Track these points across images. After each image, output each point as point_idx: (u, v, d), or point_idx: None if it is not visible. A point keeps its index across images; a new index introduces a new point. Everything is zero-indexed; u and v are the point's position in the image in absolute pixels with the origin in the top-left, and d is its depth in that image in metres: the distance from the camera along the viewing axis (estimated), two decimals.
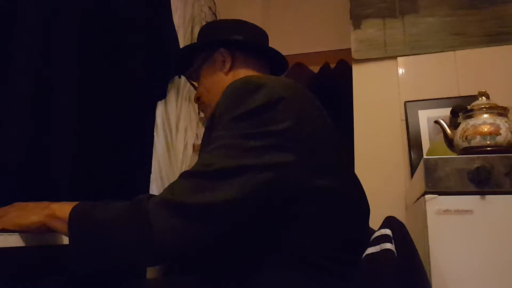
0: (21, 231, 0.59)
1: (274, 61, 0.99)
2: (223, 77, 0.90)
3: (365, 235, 0.74)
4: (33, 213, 0.61)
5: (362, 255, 0.69)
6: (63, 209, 0.60)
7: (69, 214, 0.59)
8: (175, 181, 0.62)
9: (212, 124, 0.70)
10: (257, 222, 0.63)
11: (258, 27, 1.00)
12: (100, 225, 0.57)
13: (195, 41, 1.79)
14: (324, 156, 0.68)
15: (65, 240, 0.66)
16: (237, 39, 0.92)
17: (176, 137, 1.63)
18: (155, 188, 1.47)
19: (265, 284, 0.64)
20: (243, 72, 0.90)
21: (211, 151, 0.63)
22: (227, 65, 0.91)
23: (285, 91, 0.69)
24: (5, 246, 0.56)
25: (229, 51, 0.92)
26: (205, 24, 1.03)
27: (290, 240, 0.65)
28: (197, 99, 0.98)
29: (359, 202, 0.76)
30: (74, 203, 0.61)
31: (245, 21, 0.99)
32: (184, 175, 0.62)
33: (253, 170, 0.60)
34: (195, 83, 1.00)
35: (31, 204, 0.65)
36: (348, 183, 0.74)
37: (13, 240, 0.58)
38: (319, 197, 0.66)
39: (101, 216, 0.58)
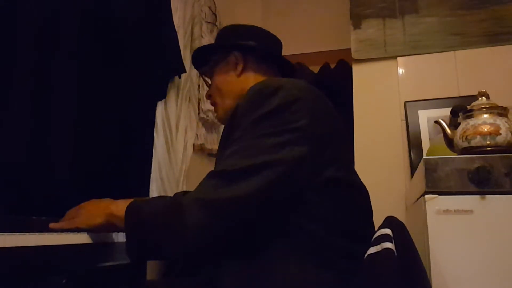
0: (90, 229, 0.74)
1: (283, 67, 1.06)
2: (234, 79, 0.96)
3: (371, 226, 0.79)
4: (98, 215, 0.74)
5: (368, 242, 0.71)
6: (119, 208, 0.71)
7: (125, 212, 0.70)
8: (203, 180, 0.70)
9: (233, 124, 0.76)
10: (273, 213, 0.68)
11: (274, 35, 1.07)
12: (146, 220, 0.68)
13: (195, 41, 1.81)
14: (335, 150, 0.74)
15: (64, 240, 0.68)
16: (250, 45, 0.99)
17: (176, 137, 1.63)
18: (155, 188, 1.47)
19: (272, 275, 0.66)
20: (252, 76, 0.96)
21: (233, 152, 0.70)
22: (239, 68, 0.96)
23: (300, 92, 0.75)
24: (5, 246, 0.56)
25: (242, 55, 0.97)
26: (225, 27, 1.10)
27: (301, 230, 0.68)
28: (209, 96, 1.05)
29: (363, 194, 0.80)
30: (128, 201, 0.72)
31: (262, 29, 1.07)
32: (210, 175, 0.70)
33: (272, 165, 0.66)
34: (207, 80, 1.06)
35: (93, 206, 0.78)
36: (354, 175, 0.79)
37: (13, 240, 0.58)
38: (328, 187, 0.70)
39: (147, 212, 0.69)
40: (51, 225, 0.77)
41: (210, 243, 0.66)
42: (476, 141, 1.06)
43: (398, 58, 1.88)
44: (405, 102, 1.80)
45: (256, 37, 1.01)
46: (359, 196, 0.77)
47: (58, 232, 0.73)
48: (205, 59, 1.05)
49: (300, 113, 0.71)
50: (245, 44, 0.98)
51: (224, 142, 0.80)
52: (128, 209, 0.70)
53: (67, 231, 0.73)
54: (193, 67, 1.78)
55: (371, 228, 0.79)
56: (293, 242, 0.68)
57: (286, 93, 0.73)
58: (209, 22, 1.98)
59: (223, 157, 0.72)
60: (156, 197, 0.74)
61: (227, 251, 0.70)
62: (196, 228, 0.64)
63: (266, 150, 0.67)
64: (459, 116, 1.17)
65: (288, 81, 0.79)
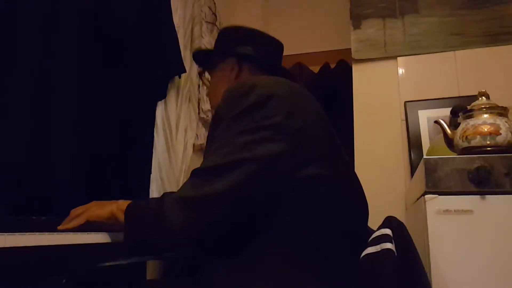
0: (98, 221, 0.78)
1: (280, 72, 1.06)
2: (228, 82, 0.99)
3: (359, 221, 0.78)
4: (107, 207, 0.78)
5: (356, 240, 0.72)
6: (125, 204, 0.76)
7: (125, 208, 0.74)
8: (187, 179, 0.73)
9: (214, 124, 0.78)
10: (251, 210, 0.69)
11: (274, 39, 1.09)
12: (138, 216, 0.72)
13: (195, 41, 1.81)
14: (315, 146, 0.73)
15: (64, 240, 0.68)
16: (246, 52, 1.01)
17: (176, 137, 1.63)
18: (155, 188, 1.47)
19: (258, 272, 0.67)
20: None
21: (212, 151, 0.72)
22: (234, 73, 1.01)
23: (276, 89, 0.76)
24: (5, 246, 0.56)
25: (238, 61, 1.01)
26: (225, 28, 1.14)
27: (282, 227, 0.68)
28: (209, 95, 1.11)
29: (352, 192, 0.79)
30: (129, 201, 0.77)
31: (263, 33, 1.09)
32: (191, 174, 0.72)
33: (246, 162, 0.67)
34: (206, 80, 1.12)
35: (101, 201, 0.82)
36: (341, 173, 0.76)
37: (13, 240, 0.58)
38: (310, 184, 0.70)
39: (140, 209, 0.73)
40: (60, 227, 0.77)
41: (190, 239, 0.68)
42: (476, 141, 1.06)
43: (398, 58, 1.88)
44: (405, 102, 1.80)
45: (254, 43, 1.04)
46: (346, 193, 0.76)
47: (60, 232, 0.73)
48: (206, 59, 1.10)
49: (275, 109, 0.72)
50: (241, 51, 1.02)
51: (209, 139, 0.82)
52: (128, 207, 0.74)
53: (76, 230, 0.75)
54: (193, 67, 1.79)
55: (362, 226, 0.79)
56: (283, 242, 0.68)
57: (260, 90, 0.74)
58: (209, 22, 1.98)
59: (206, 155, 0.75)
60: (152, 198, 0.77)
61: (212, 247, 0.72)
62: (175, 225, 0.67)
63: (241, 148, 0.68)
64: (459, 116, 1.17)
65: (264, 78, 0.81)
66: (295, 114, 0.73)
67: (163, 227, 0.67)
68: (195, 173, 0.72)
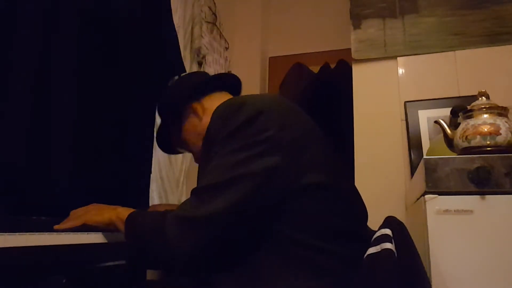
0: (96, 226, 0.78)
1: (234, 85, 1.05)
2: (198, 122, 0.95)
3: (359, 222, 0.79)
4: (106, 213, 0.79)
5: (358, 241, 0.72)
6: (124, 213, 0.77)
7: (126, 217, 0.75)
8: (187, 198, 0.74)
9: (207, 145, 0.79)
10: (251, 224, 0.70)
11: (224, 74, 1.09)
12: (139, 229, 0.74)
13: (195, 41, 1.81)
14: (311, 155, 0.74)
15: (64, 240, 0.68)
16: (194, 86, 0.97)
17: None
18: (155, 188, 1.47)
19: (255, 279, 0.68)
20: (211, 111, 0.87)
21: (208, 171, 0.73)
22: (200, 110, 0.95)
23: (264, 105, 0.76)
24: (5, 246, 0.56)
25: (196, 100, 0.96)
26: (164, 95, 1.08)
27: (283, 233, 0.69)
28: (193, 153, 1.05)
29: (349, 197, 0.79)
30: (130, 210, 0.79)
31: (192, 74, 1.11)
32: (191, 193, 0.73)
33: (243, 179, 0.68)
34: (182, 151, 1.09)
35: (103, 206, 0.83)
36: (337, 178, 0.77)
37: (13, 240, 0.58)
38: (309, 191, 0.71)
39: (141, 222, 0.74)
40: (56, 227, 0.78)
41: (190, 256, 0.69)
42: (476, 141, 1.06)
43: (398, 58, 1.88)
44: (405, 102, 1.80)
45: (194, 81, 1.00)
46: (345, 196, 0.77)
47: (59, 232, 0.73)
48: (170, 135, 1.06)
49: (266, 124, 0.72)
50: (193, 89, 0.97)
51: (203, 159, 0.82)
52: (129, 215, 0.75)
53: (73, 231, 0.75)
54: (193, 67, 1.78)
55: (363, 229, 0.80)
56: (282, 251, 0.69)
57: (250, 106, 0.75)
58: (209, 22, 1.98)
59: (204, 174, 0.75)
60: (152, 211, 0.79)
61: (213, 263, 0.72)
62: (175, 242, 0.68)
63: (237, 164, 0.69)
64: (459, 116, 1.17)
65: (251, 96, 0.82)
66: (287, 126, 0.74)
67: (164, 242, 0.68)
68: (194, 192, 0.72)
